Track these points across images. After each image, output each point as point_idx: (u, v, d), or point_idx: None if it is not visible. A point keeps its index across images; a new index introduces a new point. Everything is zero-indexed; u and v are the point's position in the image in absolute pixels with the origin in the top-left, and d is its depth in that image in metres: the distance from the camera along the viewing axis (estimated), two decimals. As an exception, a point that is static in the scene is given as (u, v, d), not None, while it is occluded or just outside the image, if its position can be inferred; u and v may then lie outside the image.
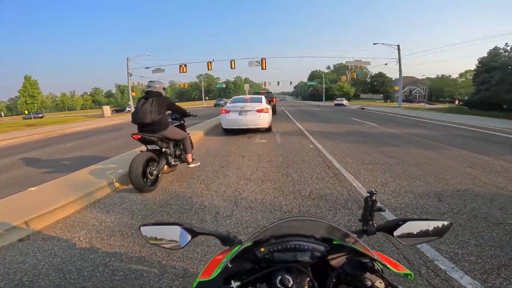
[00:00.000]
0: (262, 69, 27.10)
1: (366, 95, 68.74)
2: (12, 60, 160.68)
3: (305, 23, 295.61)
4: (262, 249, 0.65)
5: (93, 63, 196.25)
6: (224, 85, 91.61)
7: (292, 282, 0.55)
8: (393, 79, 70.32)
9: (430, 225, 0.79)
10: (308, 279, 0.59)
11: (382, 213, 1.08)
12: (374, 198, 0.89)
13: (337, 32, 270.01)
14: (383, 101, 62.36)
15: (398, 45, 30.57)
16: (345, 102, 38.56)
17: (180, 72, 30.16)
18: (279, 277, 0.56)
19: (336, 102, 38.92)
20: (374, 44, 29.89)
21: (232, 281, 0.60)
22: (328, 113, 20.25)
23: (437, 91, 72.97)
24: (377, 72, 69.30)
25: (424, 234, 0.79)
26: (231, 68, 28.01)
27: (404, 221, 0.80)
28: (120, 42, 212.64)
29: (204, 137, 8.67)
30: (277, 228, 0.76)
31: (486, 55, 34.42)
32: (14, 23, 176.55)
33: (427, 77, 71.58)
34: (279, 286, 0.55)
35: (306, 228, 0.78)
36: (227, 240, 0.83)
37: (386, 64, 33.61)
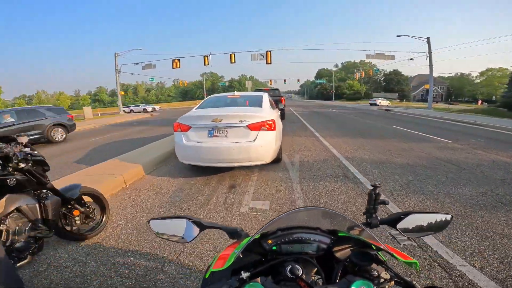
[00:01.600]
0: (266, 63, 22.99)
1: (379, 94, 63.49)
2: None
3: (312, 17, 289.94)
4: (270, 241, 0.66)
5: (96, 62, 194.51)
6: (227, 83, 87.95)
7: (301, 272, 0.56)
8: (409, 77, 65.26)
9: (432, 219, 0.77)
10: (315, 269, 0.60)
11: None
12: (377, 191, 0.88)
13: (343, 28, 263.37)
14: (398, 100, 57.32)
15: (428, 38, 26.13)
16: (378, 101, 37.21)
17: (173, 67, 26.51)
18: (289, 267, 0.57)
19: (371, 101, 39.30)
20: (397, 36, 25.65)
21: (242, 272, 0.59)
22: (353, 117, 15.78)
23: (456, 90, 67.69)
24: (391, 70, 63.94)
25: (426, 227, 0.77)
26: (231, 62, 23.95)
27: (407, 214, 0.78)
28: (121, 41, 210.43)
29: (144, 178, 4.32)
30: (284, 220, 0.75)
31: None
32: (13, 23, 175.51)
33: (439, 75, 66.14)
34: (289, 275, 0.55)
35: (313, 220, 0.78)
36: (234, 234, 0.82)
37: (411, 59, 29.01)
